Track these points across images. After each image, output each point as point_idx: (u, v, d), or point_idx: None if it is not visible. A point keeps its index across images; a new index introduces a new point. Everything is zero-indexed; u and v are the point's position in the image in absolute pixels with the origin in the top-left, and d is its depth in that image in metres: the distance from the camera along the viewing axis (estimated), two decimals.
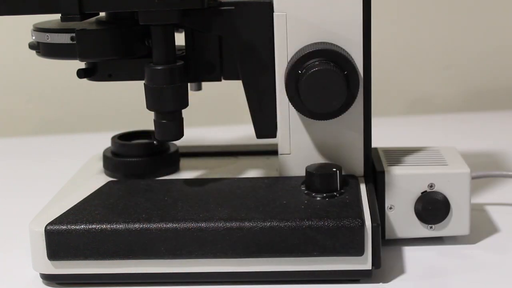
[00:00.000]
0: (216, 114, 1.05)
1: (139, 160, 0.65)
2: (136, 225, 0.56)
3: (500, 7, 1.16)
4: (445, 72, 1.18)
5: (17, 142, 1.05)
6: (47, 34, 0.60)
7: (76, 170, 0.72)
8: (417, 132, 1.02)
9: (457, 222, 0.64)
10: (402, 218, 0.64)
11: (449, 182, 0.63)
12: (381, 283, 0.58)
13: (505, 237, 0.66)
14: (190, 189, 0.62)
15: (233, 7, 0.61)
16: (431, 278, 0.59)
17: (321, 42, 0.61)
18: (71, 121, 1.13)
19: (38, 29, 0.61)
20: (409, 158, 0.66)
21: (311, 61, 0.58)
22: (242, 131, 0.79)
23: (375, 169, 0.64)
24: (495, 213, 0.71)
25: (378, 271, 0.58)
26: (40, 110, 1.13)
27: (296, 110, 0.60)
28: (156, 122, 0.60)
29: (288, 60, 0.61)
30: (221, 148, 0.74)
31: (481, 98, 1.18)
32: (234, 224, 0.56)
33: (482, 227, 0.67)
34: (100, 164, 0.70)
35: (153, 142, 0.66)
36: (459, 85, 1.18)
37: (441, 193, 0.63)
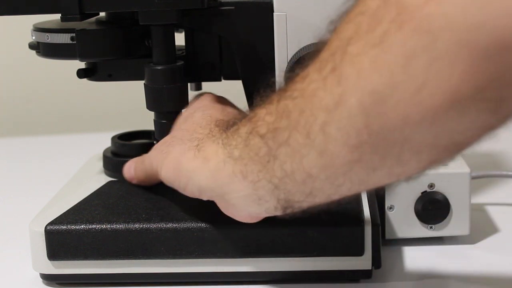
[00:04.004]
0: None
1: None
2: (136, 225, 0.56)
3: None
4: None
5: (17, 142, 1.05)
6: (47, 34, 0.60)
7: (76, 170, 0.72)
8: None
9: (457, 222, 0.64)
10: (402, 218, 0.64)
11: (449, 182, 0.63)
12: (381, 283, 0.58)
13: (505, 237, 0.66)
14: None
15: (233, 7, 0.61)
16: (431, 278, 0.59)
17: (316, 43, 0.60)
18: (71, 121, 1.13)
19: (38, 29, 0.61)
20: None
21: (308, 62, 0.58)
22: None
23: None
24: (495, 213, 0.71)
25: (378, 271, 0.58)
26: (40, 110, 1.13)
27: None
28: (156, 122, 0.60)
29: (288, 60, 0.61)
30: None
31: None
32: (234, 224, 0.56)
33: (482, 227, 0.67)
34: (100, 164, 0.70)
35: (153, 142, 0.66)
36: None
37: (441, 193, 0.63)
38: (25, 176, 0.89)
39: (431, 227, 0.64)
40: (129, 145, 0.67)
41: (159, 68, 0.58)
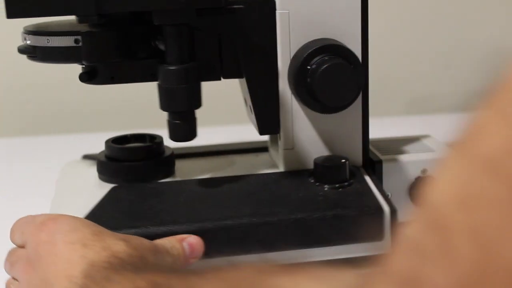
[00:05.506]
0: (216, 114, 1.04)
1: (144, 163, 0.64)
2: (163, 228, 0.55)
3: (501, 7, 1.18)
4: (445, 72, 1.18)
5: (17, 142, 1.03)
6: (48, 37, 0.58)
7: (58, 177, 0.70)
8: (417, 132, 1.03)
9: None
10: (398, 204, 0.66)
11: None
12: None
13: None
14: (201, 189, 0.62)
15: (237, 6, 0.61)
16: None
17: (322, 38, 0.62)
18: (70, 121, 1.13)
19: (36, 32, 0.58)
20: (397, 147, 0.69)
21: (319, 57, 0.60)
22: (241, 131, 0.79)
23: (371, 159, 0.67)
24: None
25: None
26: (40, 110, 1.12)
27: (305, 105, 0.61)
28: (169, 122, 0.59)
29: (291, 57, 0.62)
30: (208, 148, 0.74)
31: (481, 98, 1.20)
32: (261, 220, 0.57)
33: None
34: (83, 171, 0.68)
35: (152, 145, 0.65)
36: (459, 85, 1.19)
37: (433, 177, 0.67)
38: (25, 176, 0.87)
39: None
40: (130, 148, 0.66)
41: (172, 68, 0.58)
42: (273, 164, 0.69)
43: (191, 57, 0.58)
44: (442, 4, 1.18)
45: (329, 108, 0.61)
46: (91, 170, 0.68)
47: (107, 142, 0.66)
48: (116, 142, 0.67)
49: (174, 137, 0.60)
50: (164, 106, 0.59)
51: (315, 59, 0.60)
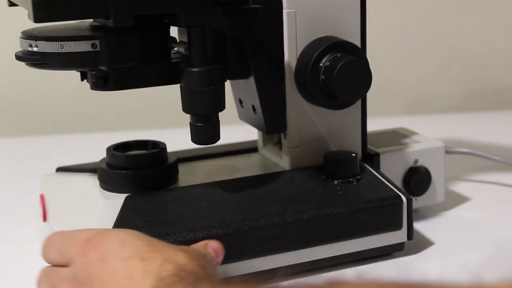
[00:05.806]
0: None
1: (156, 170, 0.62)
2: (201, 234, 0.55)
3: (501, 8, 1.20)
4: (445, 72, 1.19)
5: (17, 142, 1.01)
6: (62, 43, 0.55)
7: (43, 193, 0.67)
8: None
9: (435, 191, 0.71)
10: None
11: (428, 156, 0.71)
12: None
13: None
14: (220, 192, 0.61)
15: (260, 6, 0.60)
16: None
17: (326, 37, 0.63)
18: (70, 121, 1.11)
19: (48, 37, 0.55)
20: (387, 141, 0.72)
21: (330, 55, 0.61)
22: (240, 131, 0.78)
23: (368, 153, 0.69)
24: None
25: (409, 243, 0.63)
26: (40, 110, 1.11)
27: (315, 103, 0.63)
28: (192, 125, 0.58)
29: (298, 55, 0.63)
30: (197, 152, 0.73)
31: (481, 98, 1.20)
32: (292, 218, 0.57)
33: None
34: (71, 181, 0.66)
35: (158, 151, 0.64)
36: (459, 85, 1.20)
37: (423, 167, 0.70)
38: (24, 176, 0.84)
39: (415, 199, 0.71)
40: (134, 156, 0.64)
41: (196, 70, 0.57)
42: (270, 163, 0.70)
43: (214, 58, 0.57)
44: (442, 4, 1.19)
45: (343, 103, 0.62)
46: (83, 180, 0.66)
47: (108, 149, 0.64)
48: (118, 149, 0.64)
49: (196, 140, 0.59)
50: (187, 108, 0.58)
51: (326, 56, 0.61)
